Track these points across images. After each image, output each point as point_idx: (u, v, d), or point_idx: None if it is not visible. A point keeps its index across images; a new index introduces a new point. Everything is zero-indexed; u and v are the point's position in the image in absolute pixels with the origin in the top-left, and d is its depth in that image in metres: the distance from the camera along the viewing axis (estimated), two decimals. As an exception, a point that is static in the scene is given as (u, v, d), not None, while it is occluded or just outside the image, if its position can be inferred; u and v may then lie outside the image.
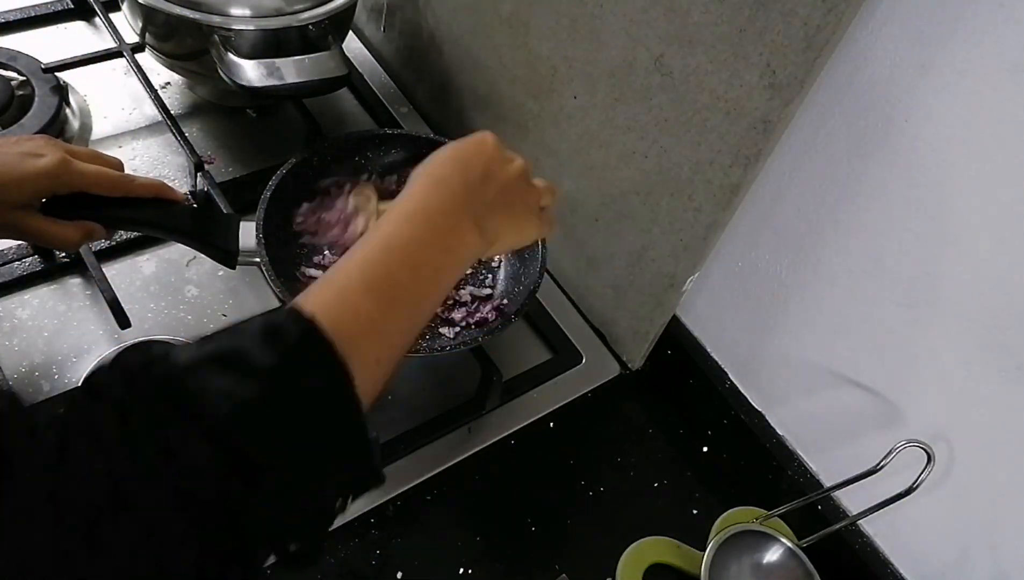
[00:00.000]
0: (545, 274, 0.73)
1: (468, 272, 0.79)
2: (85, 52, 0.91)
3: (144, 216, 0.66)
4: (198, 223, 0.69)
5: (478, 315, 0.74)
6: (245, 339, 0.38)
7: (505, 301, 0.76)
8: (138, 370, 0.37)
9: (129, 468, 0.33)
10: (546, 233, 0.61)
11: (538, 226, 0.58)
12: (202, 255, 0.70)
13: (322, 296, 0.43)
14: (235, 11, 0.76)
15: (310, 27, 0.78)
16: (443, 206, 0.50)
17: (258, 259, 0.68)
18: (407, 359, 0.55)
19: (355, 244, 0.48)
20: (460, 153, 0.54)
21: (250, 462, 0.35)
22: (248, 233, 0.69)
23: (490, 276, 0.79)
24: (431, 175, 0.52)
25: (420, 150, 0.81)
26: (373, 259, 0.46)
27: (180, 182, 0.85)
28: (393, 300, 0.45)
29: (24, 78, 0.87)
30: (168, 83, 0.94)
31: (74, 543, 0.32)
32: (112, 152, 0.86)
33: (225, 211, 0.76)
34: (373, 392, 0.43)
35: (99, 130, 0.88)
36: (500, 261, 0.80)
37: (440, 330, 0.73)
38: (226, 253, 0.69)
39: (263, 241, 0.68)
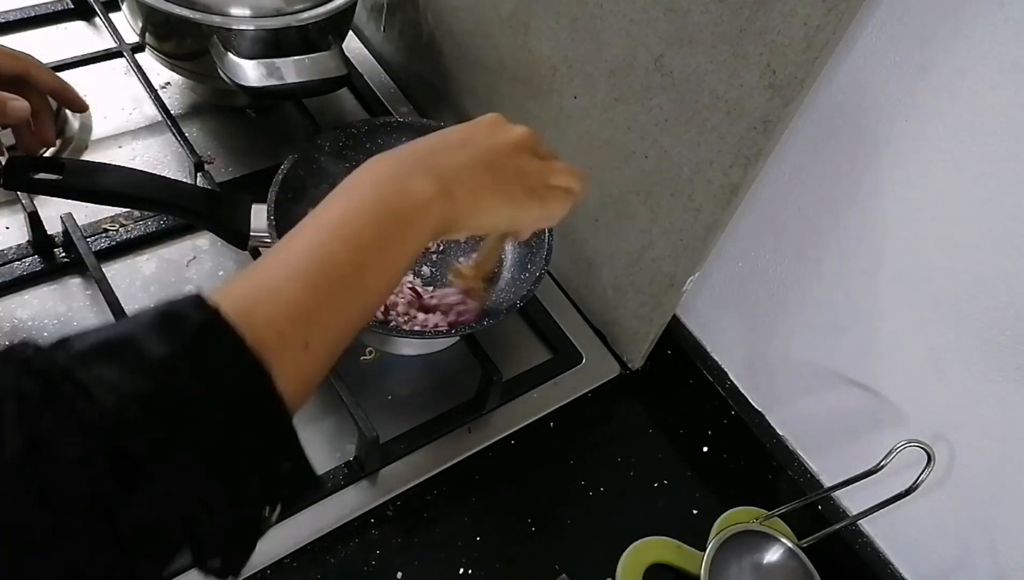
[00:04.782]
0: (546, 273, 0.72)
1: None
2: (85, 52, 0.91)
3: (155, 194, 0.68)
4: (211, 204, 0.71)
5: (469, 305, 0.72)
6: (138, 327, 0.34)
7: (505, 291, 0.75)
8: (19, 361, 0.33)
9: None
10: (552, 216, 0.53)
11: (540, 205, 0.51)
12: (202, 255, 0.70)
13: (239, 283, 0.39)
14: (235, 11, 0.76)
15: (310, 27, 0.78)
16: (391, 171, 0.46)
17: (269, 239, 0.70)
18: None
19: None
20: (448, 130, 0.51)
21: (132, 462, 0.32)
22: (260, 215, 0.71)
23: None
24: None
25: None
26: (302, 236, 0.42)
27: (180, 182, 0.85)
28: (325, 278, 0.41)
29: (24, 78, 0.86)
30: (168, 83, 0.94)
31: None
32: (112, 152, 0.86)
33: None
34: (305, 379, 0.40)
35: (99, 130, 0.88)
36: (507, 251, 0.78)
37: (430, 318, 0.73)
38: (236, 234, 0.71)
39: (274, 223, 0.69)
